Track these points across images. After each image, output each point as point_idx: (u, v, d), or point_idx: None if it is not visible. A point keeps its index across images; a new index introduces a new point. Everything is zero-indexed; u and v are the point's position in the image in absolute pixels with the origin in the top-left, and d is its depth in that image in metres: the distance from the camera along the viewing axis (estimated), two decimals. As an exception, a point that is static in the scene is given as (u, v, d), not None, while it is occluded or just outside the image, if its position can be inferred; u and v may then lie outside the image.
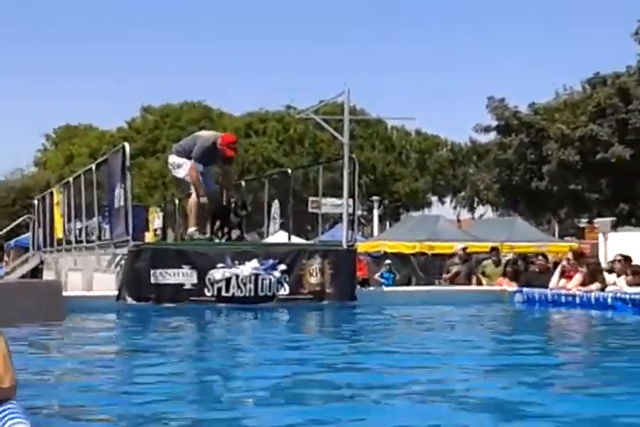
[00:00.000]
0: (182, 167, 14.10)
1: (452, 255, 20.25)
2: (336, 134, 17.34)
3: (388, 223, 43.07)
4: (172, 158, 14.43)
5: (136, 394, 6.06)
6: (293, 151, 44.45)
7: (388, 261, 23.20)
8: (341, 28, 77.95)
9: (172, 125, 47.17)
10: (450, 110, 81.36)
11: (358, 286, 15.66)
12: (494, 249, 19.39)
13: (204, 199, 14.23)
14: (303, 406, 5.71)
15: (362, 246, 22.78)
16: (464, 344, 9.45)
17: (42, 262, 23.08)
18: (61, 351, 9.06)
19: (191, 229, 14.79)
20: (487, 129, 41.13)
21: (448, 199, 50.10)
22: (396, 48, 77.71)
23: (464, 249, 18.99)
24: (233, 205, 15.04)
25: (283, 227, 22.44)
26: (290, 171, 20.44)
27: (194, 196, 14.43)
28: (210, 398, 6.12)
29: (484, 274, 18.29)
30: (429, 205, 50.02)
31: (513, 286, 16.01)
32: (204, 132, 14.96)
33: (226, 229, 15.07)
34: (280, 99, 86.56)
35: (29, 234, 26.09)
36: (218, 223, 15.05)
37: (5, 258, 29.26)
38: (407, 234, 25.90)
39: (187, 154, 14.03)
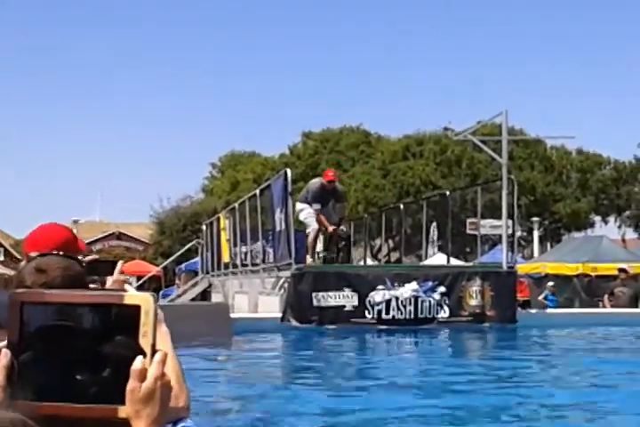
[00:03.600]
0: (303, 211, 15.34)
1: (616, 277, 19.67)
2: (494, 155, 17.33)
3: (548, 244, 42.13)
4: (297, 206, 15.45)
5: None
6: (451, 173, 44.23)
7: (551, 284, 22.71)
8: (497, 49, 77.20)
9: (332, 150, 47.91)
10: (612, 128, 78.91)
11: (519, 308, 15.53)
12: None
13: (331, 228, 15.39)
14: None
15: (522, 268, 22.47)
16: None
17: (210, 286, 23.89)
18: (229, 371, 9.48)
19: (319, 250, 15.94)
20: (652, 146, 39.73)
21: (612, 219, 48.49)
22: (554, 67, 76.22)
23: (623, 270, 18.28)
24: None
25: (441, 249, 22.47)
26: (448, 193, 20.49)
27: (315, 228, 15.36)
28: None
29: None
30: (592, 225, 48.51)
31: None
32: (313, 180, 16.52)
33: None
34: (437, 120, 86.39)
35: (198, 258, 27.09)
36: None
37: (177, 281, 30.49)
38: (569, 255, 25.36)
39: (305, 200, 15.41)
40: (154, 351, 1.34)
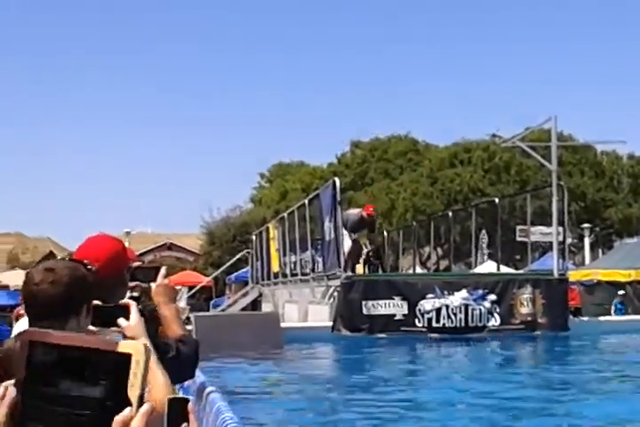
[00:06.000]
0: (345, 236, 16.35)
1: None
2: (543, 161, 17.23)
3: (600, 251, 41.59)
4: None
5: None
6: (499, 180, 43.90)
7: (621, 292, 22.21)
8: (546, 54, 76.59)
9: (380, 159, 47.89)
10: (665, 131, 77.68)
11: (570, 316, 15.40)
12: None
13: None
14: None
15: (573, 275, 22.24)
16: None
17: (260, 295, 24.00)
18: (281, 380, 9.54)
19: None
20: None
21: (666, 224, 47.72)
22: (603, 72, 75.35)
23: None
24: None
25: (491, 257, 22.35)
26: (497, 200, 20.39)
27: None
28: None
29: None
30: (645, 231, 47.79)
31: None
32: (354, 211, 17.79)
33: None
34: (484, 128, 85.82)
35: (248, 268, 27.25)
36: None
37: (227, 291, 30.68)
38: (622, 261, 25.03)
39: (344, 226, 16.12)
40: (140, 403, 1.31)
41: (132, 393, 1.30)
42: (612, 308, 21.66)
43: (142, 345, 1.33)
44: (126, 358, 1.31)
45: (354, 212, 17.29)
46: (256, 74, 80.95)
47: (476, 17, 72.20)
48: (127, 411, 1.30)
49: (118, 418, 1.29)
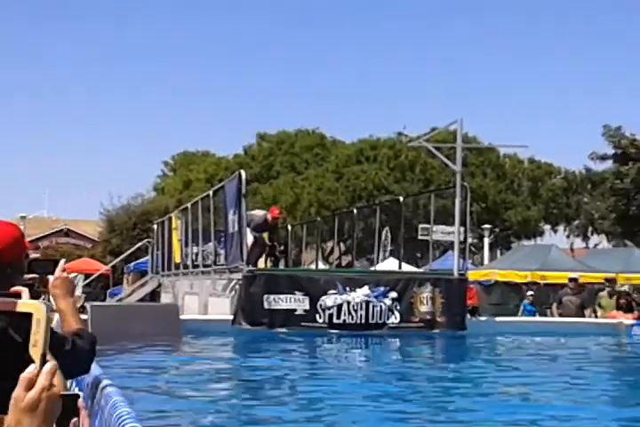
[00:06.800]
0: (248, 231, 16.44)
1: (564, 285, 19.86)
2: (448, 162, 17.40)
3: (498, 252, 42.52)
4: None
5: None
6: (404, 178, 44.41)
7: (530, 293, 22.47)
8: (453, 55, 77.81)
9: (286, 152, 47.87)
10: (563, 138, 79.94)
11: (468, 315, 15.61)
12: (610, 280, 18.86)
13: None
14: None
15: (472, 275, 22.61)
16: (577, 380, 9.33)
17: (159, 285, 23.68)
18: (176, 372, 9.37)
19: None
20: (604, 157, 40.24)
21: (561, 228, 49.09)
22: (509, 75, 77.00)
23: (573, 280, 18.38)
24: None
25: (393, 254, 22.52)
26: (401, 199, 20.54)
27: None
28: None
29: (599, 306, 17.85)
30: (541, 233, 49.04)
31: (629, 319, 15.65)
32: (259, 212, 18.11)
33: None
34: (392, 125, 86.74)
35: (148, 257, 26.80)
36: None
37: (125, 281, 30.11)
38: (519, 263, 25.59)
39: (248, 225, 16.22)
40: (44, 361, 1.32)
41: (35, 352, 1.31)
42: (521, 308, 22.01)
43: (43, 304, 1.33)
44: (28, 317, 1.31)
45: (259, 213, 17.54)
46: (165, 61, 79.95)
47: (389, 13, 72.94)
48: (30, 369, 1.30)
49: (23, 376, 1.29)
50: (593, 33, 75.76)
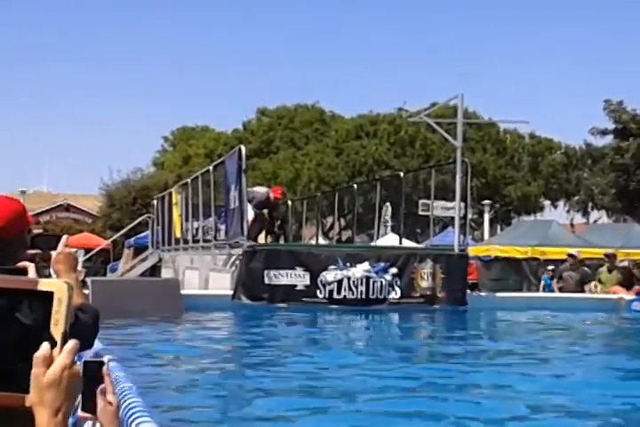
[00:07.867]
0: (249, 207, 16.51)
1: (564, 261, 19.85)
2: (449, 138, 17.33)
3: (498, 227, 42.52)
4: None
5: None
6: (404, 153, 44.27)
7: (550, 267, 22.40)
8: (454, 30, 77.38)
9: (286, 127, 47.67)
10: (564, 113, 79.76)
11: (468, 291, 15.63)
12: (610, 255, 18.80)
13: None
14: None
15: (472, 250, 22.62)
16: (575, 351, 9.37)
17: (160, 260, 23.69)
18: (178, 346, 9.40)
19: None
20: (604, 132, 40.10)
21: (561, 203, 49.03)
22: (509, 50, 76.66)
23: (572, 255, 18.34)
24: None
25: (393, 229, 22.51)
26: (402, 174, 20.48)
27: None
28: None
29: (600, 281, 17.84)
30: (541, 209, 48.99)
31: (630, 295, 15.67)
32: (261, 189, 18.16)
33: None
34: (392, 100, 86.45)
35: (148, 232, 26.80)
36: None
37: (124, 255, 30.09)
38: (519, 238, 25.59)
39: (249, 202, 16.32)
40: (65, 340, 1.32)
41: (57, 331, 1.31)
42: (542, 283, 21.98)
43: (64, 283, 1.33)
44: (49, 296, 1.30)
45: (261, 191, 17.44)
46: (165, 35, 79.48)
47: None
48: (45, 347, 1.30)
49: (39, 354, 1.30)
50: (595, 6, 75.35)
